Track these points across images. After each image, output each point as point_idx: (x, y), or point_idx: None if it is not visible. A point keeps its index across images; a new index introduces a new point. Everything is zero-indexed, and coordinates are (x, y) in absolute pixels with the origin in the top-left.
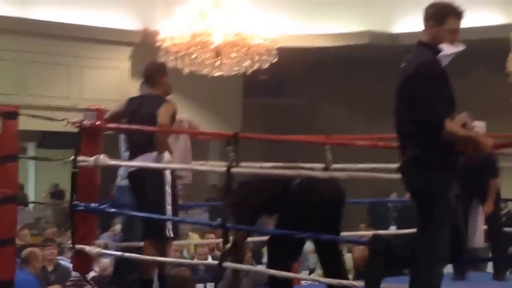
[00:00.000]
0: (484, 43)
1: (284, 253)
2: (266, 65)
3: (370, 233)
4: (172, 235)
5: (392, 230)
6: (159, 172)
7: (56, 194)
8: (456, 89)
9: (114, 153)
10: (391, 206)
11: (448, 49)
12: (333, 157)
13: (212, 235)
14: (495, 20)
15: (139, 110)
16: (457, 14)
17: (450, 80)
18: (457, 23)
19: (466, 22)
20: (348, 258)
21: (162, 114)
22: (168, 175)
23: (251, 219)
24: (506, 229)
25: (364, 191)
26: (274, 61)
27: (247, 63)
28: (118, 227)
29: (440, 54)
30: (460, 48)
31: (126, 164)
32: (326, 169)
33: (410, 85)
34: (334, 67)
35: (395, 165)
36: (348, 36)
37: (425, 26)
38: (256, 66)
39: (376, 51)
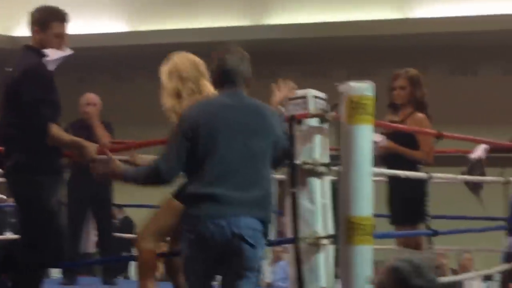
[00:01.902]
0: (107, 50)
1: None
2: None
3: None
4: None
5: (8, 235)
6: None
7: None
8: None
9: None
10: (8, 211)
11: (54, 54)
12: None
13: None
14: (119, 28)
15: None
16: (61, 18)
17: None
18: (62, 28)
19: (93, 28)
20: None
21: None
22: None
23: None
24: (122, 234)
25: None
26: None
27: None
28: None
29: (46, 58)
30: (67, 52)
31: None
32: None
33: (15, 89)
34: None
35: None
36: None
37: (31, 32)
38: None
39: None
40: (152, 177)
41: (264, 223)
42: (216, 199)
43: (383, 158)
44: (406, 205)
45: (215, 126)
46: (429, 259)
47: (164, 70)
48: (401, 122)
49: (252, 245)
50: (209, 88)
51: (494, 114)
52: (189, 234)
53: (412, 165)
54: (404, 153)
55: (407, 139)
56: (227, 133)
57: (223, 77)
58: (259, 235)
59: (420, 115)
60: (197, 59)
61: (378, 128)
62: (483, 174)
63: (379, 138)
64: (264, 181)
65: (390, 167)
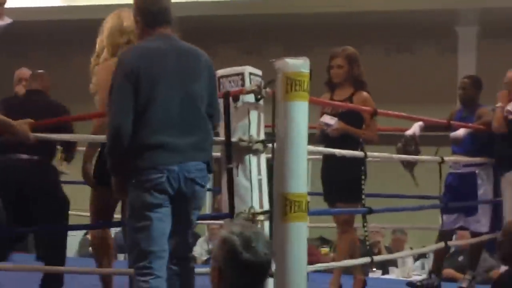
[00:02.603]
0: (42, 25)
1: None
2: None
3: None
4: None
5: None
6: None
7: None
8: None
9: None
10: None
11: None
12: None
13: None
14: (54, 2)
15: None
16: None
17: None
18: None
19: (27, 2)
20: None
21: None
22: None
23: None
24: None
25: None
26: None
27: None
28: None
29: None
30: (6, 21)
31: None
32: None
33: None
34: None
35: None
36: None
37: None
38: None
39: None
40: (115, 137)
41: (207, 162)
42: (165, 147)
43: (330, 138)
44: (350, 183)
45: (154, 72)
46: (263, 233)
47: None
48: (345, 101)
49: (202, 186)
50: None
51: (430, 93)
52: (144, 183)
53: (357, 145)
54: (356, 134)
55: (355, 119)
56: (167, 78)
57: (156, 18)
58: (206, 174)
59: (365, 94)
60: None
61: (317, 106)
62: (417, 151)
63: (331, 120)
64: (203, 123)
65: (337, 147)
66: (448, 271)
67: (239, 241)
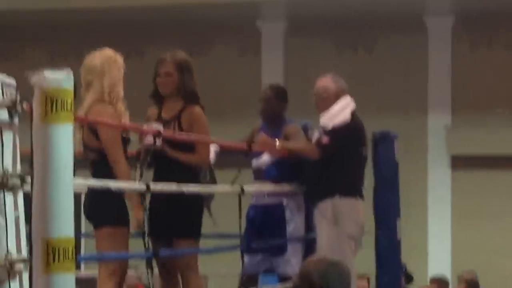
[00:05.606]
0: None
1: None
2: None
3: None
4: None
5: None
6: None
7: None
8: None
9: None
10: None
11: None
12: None
13: None
14: None
15: None
16: None
17: None
18: None
19: None
20: None
21: None
22: None
23: None
24: None
25: None
26: None
27: None
28: None
29: None
30: None
31: None
32: None
33: None
34: None
35: None
36: None
37: None
38: None
39: None
40: None
41: None
42: None
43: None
44: (189, 219)
45: None
46: None
47: None
48: (174, 119)
49: None
50: None
51: (230, 102)
52: None
53: (188, 170)
54: (178, 158)
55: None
56: None
57: None
58: None
59: (197, 110)
60: None
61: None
62: (213, 181)
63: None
64: None
65: (164, 171)
66: None
67: None
